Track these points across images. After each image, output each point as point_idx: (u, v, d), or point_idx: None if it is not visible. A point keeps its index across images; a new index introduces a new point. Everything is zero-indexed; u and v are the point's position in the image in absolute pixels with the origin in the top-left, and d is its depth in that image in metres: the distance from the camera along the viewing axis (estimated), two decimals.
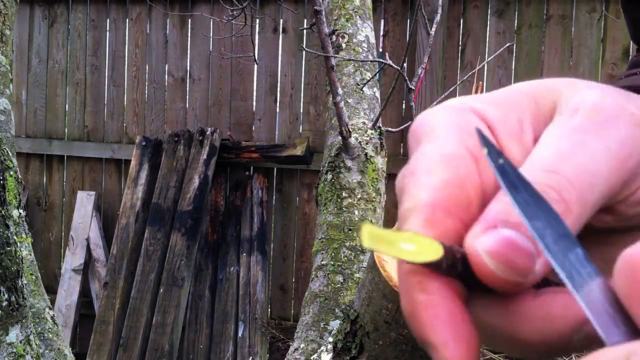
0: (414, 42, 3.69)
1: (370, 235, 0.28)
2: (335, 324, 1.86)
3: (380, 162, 2.14)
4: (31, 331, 1.33)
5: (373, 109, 2.23)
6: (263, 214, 3.95)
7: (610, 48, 3.60)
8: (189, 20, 4.24)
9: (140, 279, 3.81)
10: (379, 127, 2.17)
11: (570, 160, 0.30)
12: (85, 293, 4.17)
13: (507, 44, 2.90)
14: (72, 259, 4.16)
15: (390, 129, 2.30)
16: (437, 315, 0.28)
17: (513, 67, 3.74)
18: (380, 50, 3.76)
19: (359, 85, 2.23)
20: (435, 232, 0.30)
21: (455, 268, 0.29)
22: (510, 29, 3.75)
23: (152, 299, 3.78)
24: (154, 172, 4.03)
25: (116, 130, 4.36)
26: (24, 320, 1.29)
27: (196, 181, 3.87)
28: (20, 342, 1.28)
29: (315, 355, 1.53)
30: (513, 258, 0.28)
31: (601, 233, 0.34)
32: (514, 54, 3.73)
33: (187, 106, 4.24)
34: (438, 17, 2.08)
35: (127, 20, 4.34)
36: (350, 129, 2.06)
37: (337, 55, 2.20)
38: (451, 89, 2.25)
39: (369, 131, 2.14)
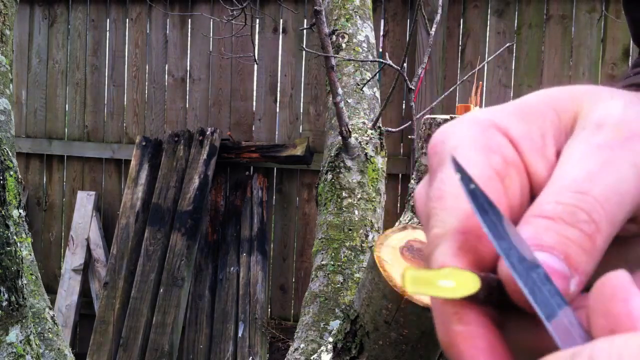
0: (414, 42, 3.69)
1: (413, 279, 0.29)
2: (335, 324, 1.86)
3: (380, 162, 2.14)
4: (31, 331, 1.33)
5: (373, 109, 2.23)
6: (263, 214, 3.95)
7: (610, 48, 3.60)
8: (189, 20, 4.23)
9: (140, 279, 3.81)
10: (379, 127, 2.17)
11: (598, 181, 0.30)
12: (85, 293, 4.17)
13: (507, 44, 2.90)
14: (72, 259, 4.16)
15: (390, 129, 2.30)
16: (476, 346, 0.29)
17: (513, 67, 3.74)
18: (380, 50, 3.76)
19: (359, 85, 2.23)
20: (468, 259, 0.30)
21: (491, 296, 0.30)
22: (510, 29, 3.74)
23: (152, 299, 3.78)
24: (154, 172, 4.03)
25: (116, 130, 4.36)
26: (24, 320, 1.29)
27: (196, 181, 3.87)
28: (20, 342, 1.28)
29: (315, 355, 1.54)
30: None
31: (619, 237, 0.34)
32: (514, 54, 3.73)
33: (187, 106, 4.24)
34: (438, 17, 2.08)
35: (127, 20, 4.34)
36: (350, 129, 2.06)
37: (337, 55, 2.20)
38: (451, 89, 2.25)
39: (369, 131, 2.14)
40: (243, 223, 3.95)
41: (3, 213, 1.22)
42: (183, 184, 3.91)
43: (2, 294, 1.21)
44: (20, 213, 1.59)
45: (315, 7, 1.89)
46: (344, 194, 2.06)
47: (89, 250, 4.16)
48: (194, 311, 3.90)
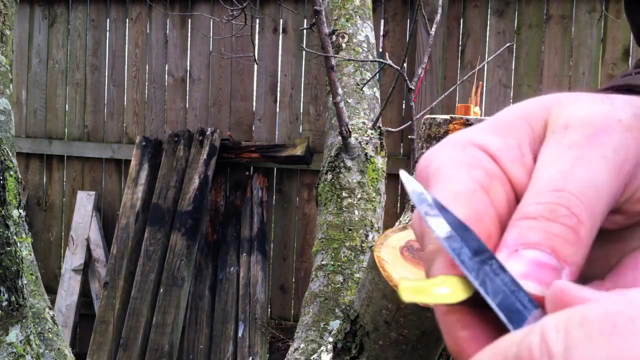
0: (414, 42, 3.69)
1: (409, 289, 0.30)
2: (335, 324, 1.86)
3: (380, 162, 2.15)
4: (31, 331, 1.33)
5: (373, 109, 2.23)
6: (263, 214, 3.96)
7: (610, 48, 3.60)
8: (189, 20, 4.24)
9: (140, 279, 3.81)
10: (379, 127, 2.17)
11: (572, 177, 0.32)
12: (85, 293, 4.17)
13: (507, 44, 2.90)
14: (72, 259, 4.16)
15: (390, 129, 2.30)
16: (482, 347, 0.30)
17: (513, 67, 3.74)
18: (380, 50, 3.76)
19: (359, 85, 2.23)
20: (460, 271, 0.31)
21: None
22: (510, 29, 3.74)
23: (152, 299, 3.78)
24: (154, 172, 4.03)
25: (116, 130, 4.36)
26: (24, 320, 1.29)
27: (196, 181, 3.87)
28: (20, 342, 1.28)
29: (315, 355, 1.54)
30: (542, 276, 0.30)
31: (612, 232, 0.35)
32: (514, 54, 3.73)
33: (187, 106, 4.24)
34: (438, 17, 2.08)
35: (127, 20, 4.34)
36: (350, 129, 2.06)
37: (337, 55, 2.20)
38: (451, 89, 2.25)
39: (369, 131, 2.14)
40: (243, 223, 3.95)
41: (3, 213, 1.22)
42: (183, 184, 3.91)
43: (2, 294, 1.21)
44: (20, 213, 1.59)
45: (315, 7, 1.89)
46: (344, 194, 2.06)
47: (89, 250, 4.16)
48: (194, 311, 3.90)
